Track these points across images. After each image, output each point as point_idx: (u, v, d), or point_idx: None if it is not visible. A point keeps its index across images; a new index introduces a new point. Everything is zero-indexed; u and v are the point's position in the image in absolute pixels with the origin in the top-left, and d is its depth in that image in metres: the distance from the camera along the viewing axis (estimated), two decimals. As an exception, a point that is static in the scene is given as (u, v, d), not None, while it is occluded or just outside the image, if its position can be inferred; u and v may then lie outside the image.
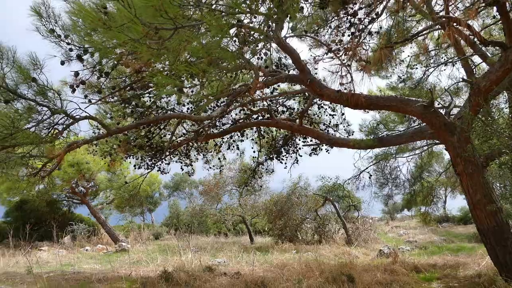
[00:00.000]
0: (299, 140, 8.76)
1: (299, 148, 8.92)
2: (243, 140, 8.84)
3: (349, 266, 7.14)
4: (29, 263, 8.42)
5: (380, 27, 5.83)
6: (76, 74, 4.35)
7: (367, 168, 10.39)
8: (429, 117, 5.21)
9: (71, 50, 4.30)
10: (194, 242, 15.57)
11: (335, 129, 8.33)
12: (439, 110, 5.53)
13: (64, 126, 4.20)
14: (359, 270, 6.75)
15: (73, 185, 15.11)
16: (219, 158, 9.26)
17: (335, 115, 8.16)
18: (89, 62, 4.68)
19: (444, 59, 8.79)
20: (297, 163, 9.19)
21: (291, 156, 9.13)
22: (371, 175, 10.49)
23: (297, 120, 7.10)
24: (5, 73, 3.59)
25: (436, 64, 8.88)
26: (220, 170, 10.24)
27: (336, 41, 5.43)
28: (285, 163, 9.09)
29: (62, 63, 4.31)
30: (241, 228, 21.16)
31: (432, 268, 7.35)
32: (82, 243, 14.61)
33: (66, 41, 4.31)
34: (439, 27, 6.12)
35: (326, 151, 9.02)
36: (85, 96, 4.81)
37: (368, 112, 9.00)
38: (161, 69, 5.50)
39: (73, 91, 4.45)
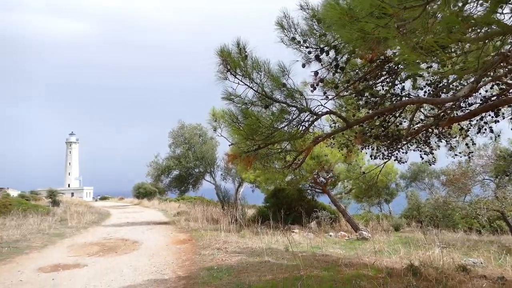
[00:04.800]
0: None
1: None
2: (498, 121, 7.33)
3: None
4: (287, 242, 9.89)
5: None
6: (316, 73, 4.77)
7: None
8: None
9: (309, 52, 4.78)
10: (439, 237, 14.30)
11: None
12: None
13: (310, 122, 4.67)
14: None
15: (315, 175, 16.62)
16: (466, 144, 8.02)
17: None
18: (325, 61, 5.03)
19: None
20: None
21: None
22: None
23: None
24: (263, 83, 4.34)
25: None
26: (469, 157, 8.92)
27: None
28: None
29: (303, 65, 4.82)
30: (499, 225, 17.87)
31: None
32: (326, 229, 15.91)
33: (305, 45, 4.81)
34: None
35: None
36: (324, 93, 5.21)
37: None
38: (393, 55, 5.29)
39: (313, 89, 4.89)
